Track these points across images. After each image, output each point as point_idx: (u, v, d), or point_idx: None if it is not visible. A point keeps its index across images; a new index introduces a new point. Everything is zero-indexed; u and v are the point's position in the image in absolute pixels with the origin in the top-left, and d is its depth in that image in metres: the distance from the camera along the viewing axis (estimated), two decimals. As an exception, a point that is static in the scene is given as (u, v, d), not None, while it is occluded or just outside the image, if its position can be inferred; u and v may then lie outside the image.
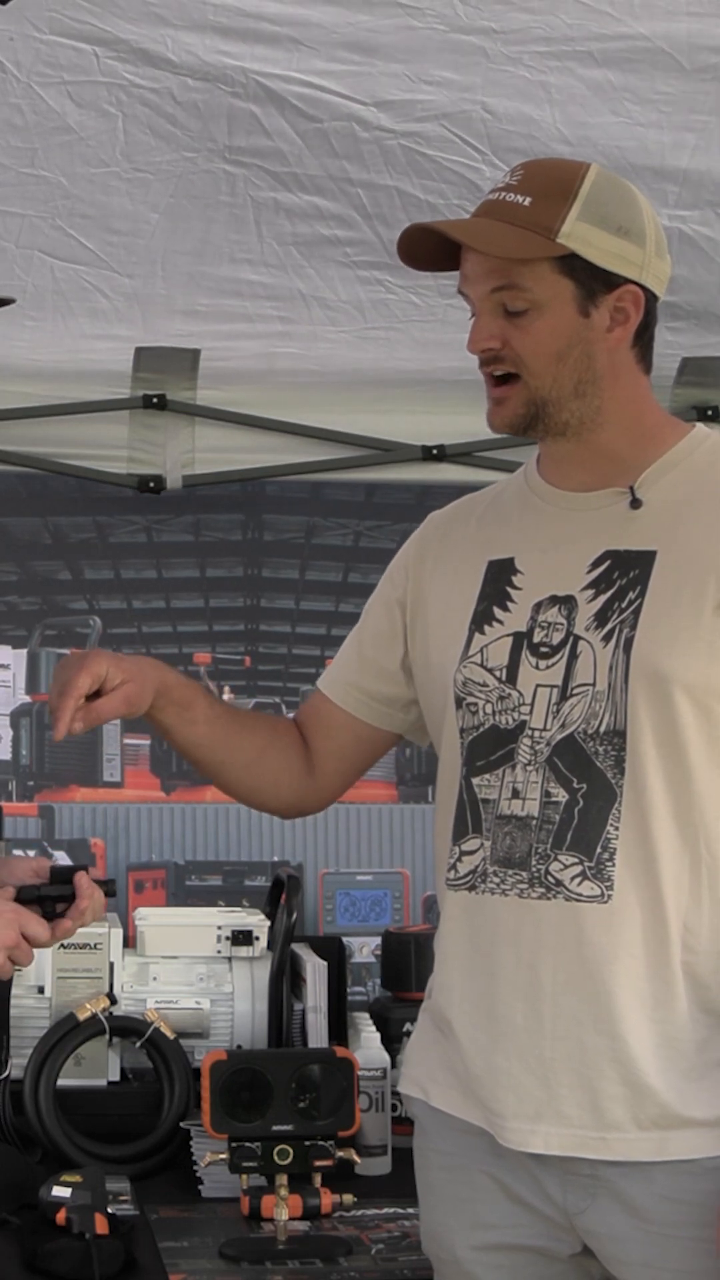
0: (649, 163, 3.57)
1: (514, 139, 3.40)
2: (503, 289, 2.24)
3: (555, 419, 2.27)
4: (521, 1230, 2.25)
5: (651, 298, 2.29)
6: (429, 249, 2.30)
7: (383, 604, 2.52)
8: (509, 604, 2.31)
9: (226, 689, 4.56)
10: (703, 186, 3.63)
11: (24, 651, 4.52)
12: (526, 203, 2.22)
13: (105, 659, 2.38)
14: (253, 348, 4.18)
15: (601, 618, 2.22)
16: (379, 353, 4.14)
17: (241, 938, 3.60)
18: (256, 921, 3.63)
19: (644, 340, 2.31)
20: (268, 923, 3.63)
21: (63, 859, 4.41)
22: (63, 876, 2.35)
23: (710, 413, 4.49)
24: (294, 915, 3.56)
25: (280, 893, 3.70)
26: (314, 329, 4.06)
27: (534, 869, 2.21)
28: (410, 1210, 2.45)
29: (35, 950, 2.32)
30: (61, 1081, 3.34)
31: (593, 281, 2.23)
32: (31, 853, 4.40)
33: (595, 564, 2.25)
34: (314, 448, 4.48)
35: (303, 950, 3.61)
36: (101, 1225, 2.85)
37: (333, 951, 3.66)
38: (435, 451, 4.45)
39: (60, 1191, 2.91)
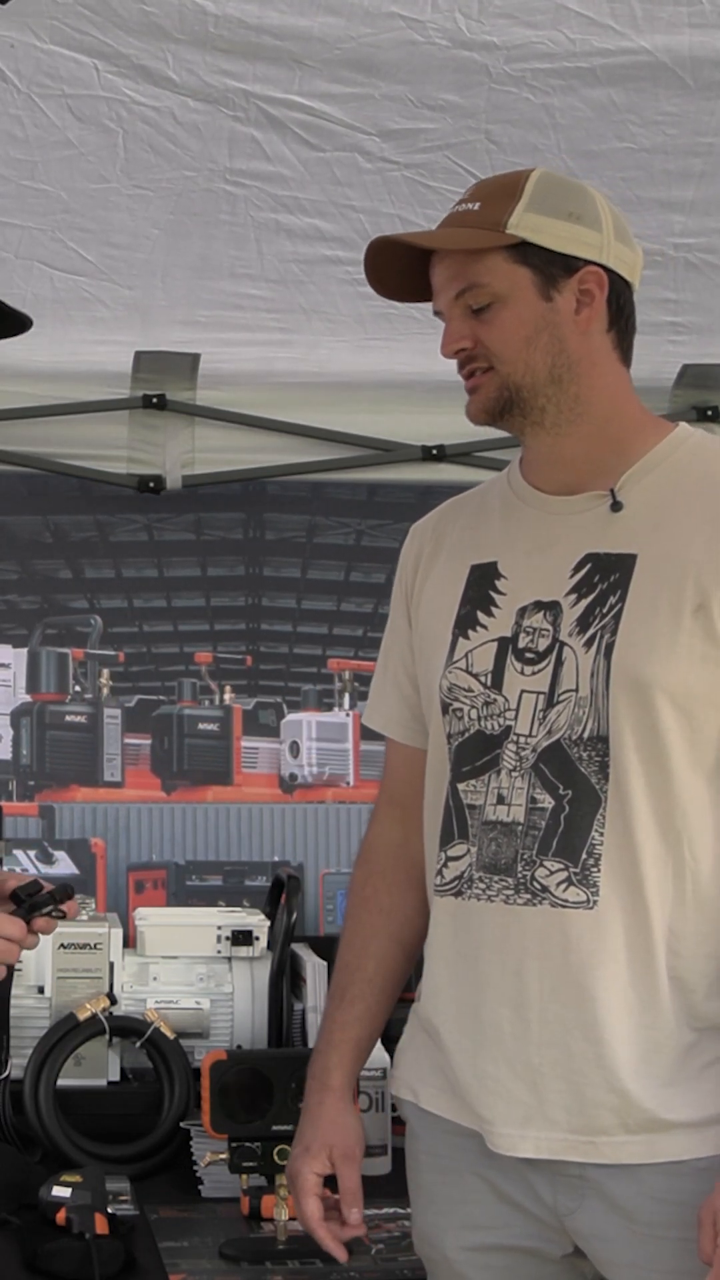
0: (655, 195, 3.59)
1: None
2: (465, 291, 2.27)
3: (531, 405, 2.28)
4: (513, 1231, 2.26)
5: (623, 283, 2.30)
6: (399, 278, 2.35)
7: (402, 638, 2.51)
8: (493, 609, 2.31)
9: (228, 688, 4.56)
10: (708, 215, 3.64)
11: (25, 651, 4.52)
12: (476, 207, 2.28)
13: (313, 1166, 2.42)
14: (252, 353, 4.19)
15: (584, 623, 2.22)
16: (379, 356, 4.15)
17: (241, 938, 3.61)
18: (256, 921, 3.64)
19: (621, 328, 2.31)
20: (268, 923, 3.64)
21: (63, 859, 4.43)
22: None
23: (710, 413, 4.50)
24: (294, 915, 3.57)
25: (280, 893, 3.71)
26: (315, 338, 4.07)
27: (519, 875, 2.21)
28: (410, 1210, 2.48)
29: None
30: (61, 1081, 3.36)
31: (550, 267, 2.25)
32: (32, 853, 4.42)
33: (577, 568, 2.25)
34: (314, 448, 4.48)
35: (303, 950, 3.63)
36: (101, 1225, 2.86)
37: (332, 951, 3.66)
38: (435, 451, 4.46)
39: (60, 1191, 2.93)
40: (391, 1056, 3.28)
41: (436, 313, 2.34)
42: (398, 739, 2.51)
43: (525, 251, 2.24)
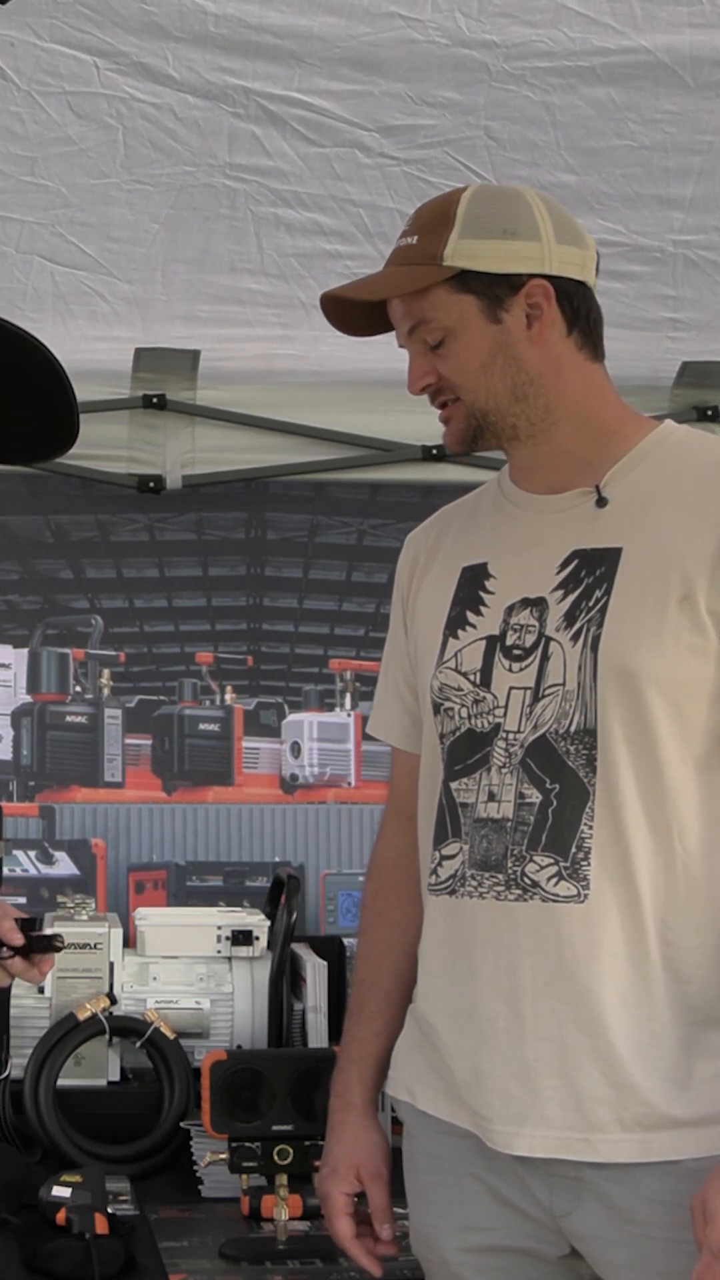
0: (654, 191, 3.59)
1: (517, 166, 3.42)
2: (417, 327, 2.29)
3: (501, 426, 2.29)
4: (510, 1232, 2.26)
5: (574, 285, 2.29)
6: (362, 317, 2.36)
7: (401, 646, 2.52)
8: (482, 608, 2.31)
9: (229, 688, 4.56)
10: (708, 212, 3.65)
11: (25, 651, 4.51)
12: (415, 240, 2.29)
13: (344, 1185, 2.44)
14: (253, 349, 4.19)
15: (570, 617, 2.22)
16: (379, 354, 4.15)
17: (241, 938, 3.61)
18: (256, 921, 3.64)
19: (582, 327, 2.30)
20: (268, 923, 3.64)
21: (63, 860, 4.42)
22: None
23: (710, 412, 4.50)
24: (294, 915, 3.56)
25: (280, 893, 3.71)
26: (314, 334, 4.08)
27: (510, 871, 2.21)
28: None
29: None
30: (61, 1081, 3.36)
31: (494, 289, 2.25)
32: (32, 853, 4.42)
33: (564, 564, 2.25)
34: (314, 448, 4.48)
35: (303, 950, 3.62)
36: (101, 1225, 2.86)
37: (333, 951, 3.66)
38: (435, 451, 4.45)
39: (60, 1191, 2.93)
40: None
41: (401, 345, 2.36)
42: (401, 747, 2.52)
43: (466, 280, 2.25)
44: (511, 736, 2.24)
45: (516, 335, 2.26)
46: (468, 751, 2.28)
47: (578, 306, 2.29)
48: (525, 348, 2.26)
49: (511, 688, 2.25)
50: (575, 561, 2.25)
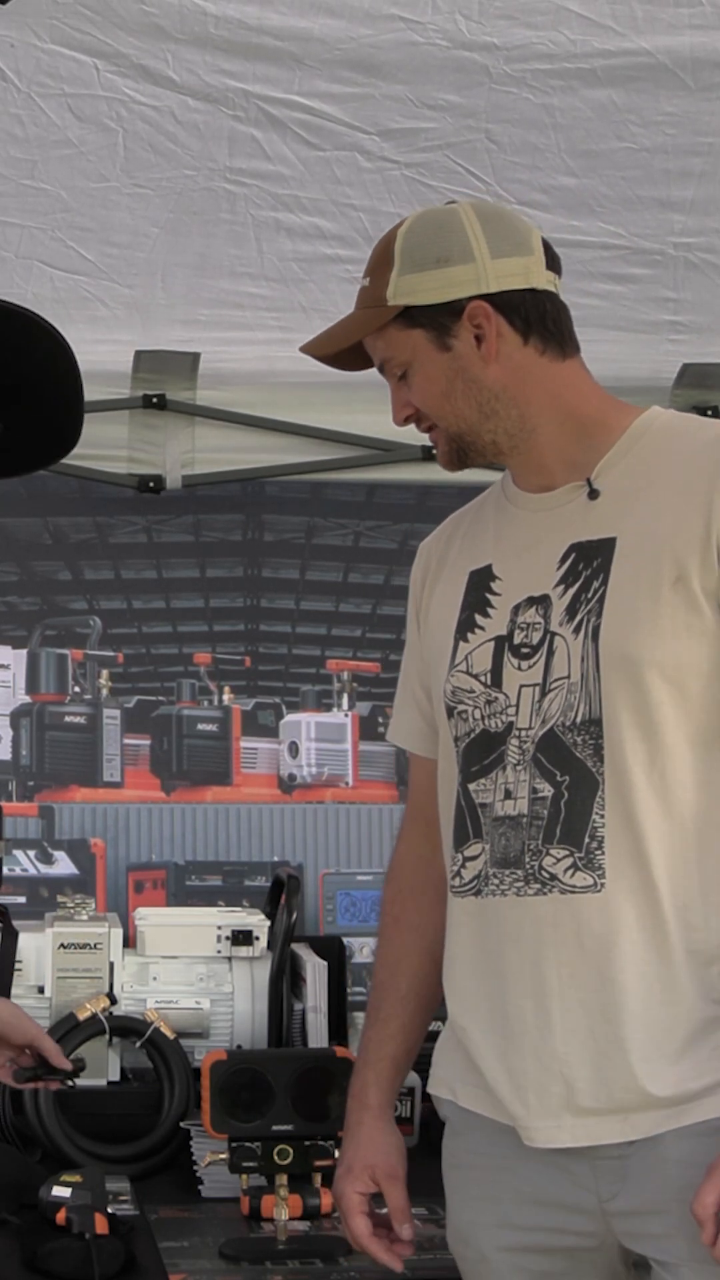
0: (655, 193, 3.59)
1: (518, 169, 3.41)
2: (384, 364, 2.36)
3: (480, 444, 2.33)
4: (550, 1230, 2.27)
5: (520, 296, 2.30)
6: (345, 353, 2.41)
7: (416, 654, 2.54)
8: (489, 610, 2.34)
9: (227, 689, 4.57)
10: (708, 214, 3.65)
11: (24, 652, 4.53)
12: (367, 283, 2.36)
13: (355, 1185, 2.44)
14: (252, 352, 4.19)
15: (571, 610, 2.24)
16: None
17: (241, 938, 3.61)
18: (256, 921, 3.64)
19: (540, 331, 2.32)
20: (268, 923, 3.64)
21: (63, 859, 4.43)
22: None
23: (710, 414, 4.50)
24: (294, 915, 3.57)
25: (280, 893, 3.72)
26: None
27: (528, 866, 2.23)
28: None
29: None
30: (62, 1081, 3.36)
31: (438, 318, 2.30)
32: (32, 853, 4.43)
33: (563, 559, 2.28)
34: (314, 448, 4.49)
35: (303, 950, 3.63)
36: (101, 1225, 2.86)
37: (333, 951, 3.67)
38: (435, 451, 4.45)
39: (60, 1191, 2.93)
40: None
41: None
42: (419, 753, 2.54)
43: (411, 315, 2.30)
44: (524, 733, 2.26)
45: (469, 358, 2.30)
46: (483, 752, 2.30)
47: (528, 314, 2.32)
48: (481, 368, 2.30)
49: (522, 685, 2.27)
50: (573, 555, 2.27)
